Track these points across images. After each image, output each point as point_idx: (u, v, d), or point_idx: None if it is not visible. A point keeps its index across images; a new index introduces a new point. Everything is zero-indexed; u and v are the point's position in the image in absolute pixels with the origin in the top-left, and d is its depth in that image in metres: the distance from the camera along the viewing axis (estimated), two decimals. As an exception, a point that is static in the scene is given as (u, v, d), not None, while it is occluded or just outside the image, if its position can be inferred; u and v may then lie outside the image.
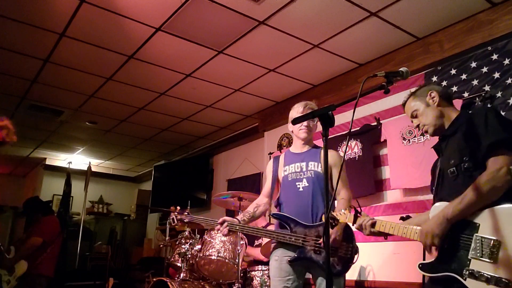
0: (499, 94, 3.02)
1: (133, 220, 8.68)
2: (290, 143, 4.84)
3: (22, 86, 4.86)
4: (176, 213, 2.82)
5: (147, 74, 4.48)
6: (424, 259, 1.87)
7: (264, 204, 2.72)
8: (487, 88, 3.10)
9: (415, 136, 3.50)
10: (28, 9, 3.36)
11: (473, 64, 3.23)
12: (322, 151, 2.63)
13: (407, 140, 3.55)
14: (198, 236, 3.74)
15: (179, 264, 3.64)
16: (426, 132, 2.02)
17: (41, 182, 8.22)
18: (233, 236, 3.46)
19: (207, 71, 4.35)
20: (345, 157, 3.92)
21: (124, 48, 3.96)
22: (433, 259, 1.78)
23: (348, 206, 2.43)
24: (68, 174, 7.14)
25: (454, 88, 3.29)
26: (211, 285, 3.53)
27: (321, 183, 2.53)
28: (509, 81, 2.99)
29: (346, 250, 2.42)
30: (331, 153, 2.57)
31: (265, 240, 3.68)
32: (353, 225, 2.12)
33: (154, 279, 3.61)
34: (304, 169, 2.59)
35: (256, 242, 4.18)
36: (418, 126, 2.04)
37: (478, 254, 1.62)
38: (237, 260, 3.35)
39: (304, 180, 2.56)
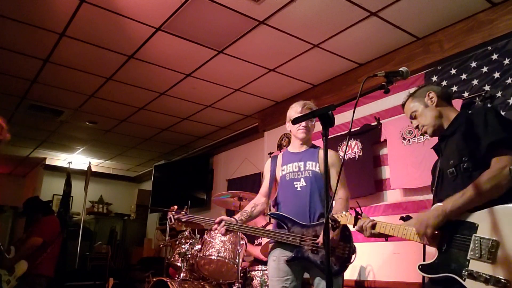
0: (499, 94, 3.02)
1: (133, 220, 8.67)
2: (290, 143, 4.83)
3: (22, 86, 4.86)
4: (173, 212, 2.81)
5: (147, 74, 4.48)
6: (424, 260, 1.87)
7: (262, 203, 2.71)
8: (487, 88, 3.10)
9: (415, 136, 3.50)
10: (28, 9, 3.36)
11: (473, 64, 3.23)
12: (320, 151, 2.63)
13: (407, 140, 3.55)
14: (198, 236, 3.75)
15: (179, 264, 3.64)
16: (426, 132, 2.02)
17: (41, 182, 8.22)
18: (233, 236, 3.46)
19: (207, 71, 4.35)
20: (345, 157, 3.92)
21: (124, 48, 3.96)
22: (432, 260, 1.77)
23: (346, 206, 2.43)
24: (68, 174, 7.14)
25: (454, 88, 3.29)
26: (211, 285, 3.52)
27: (319, 183, 2.52)
28: (509, 81, 2.99)
29: (343, 250, 2.41)
30: (329, 153, 2.55)
31: (265, 240, 3.68)
32: (353, 227, 2.12)
33: (154, 279, 3.61)
34: (302, 169, 2.59)
35: (257, 241, 4.18)
36: (417, 127, 2.04)
37: (477, 255, 1.62)
38: (237, 260, 3.35)
39: (302, 179, 2.56)
